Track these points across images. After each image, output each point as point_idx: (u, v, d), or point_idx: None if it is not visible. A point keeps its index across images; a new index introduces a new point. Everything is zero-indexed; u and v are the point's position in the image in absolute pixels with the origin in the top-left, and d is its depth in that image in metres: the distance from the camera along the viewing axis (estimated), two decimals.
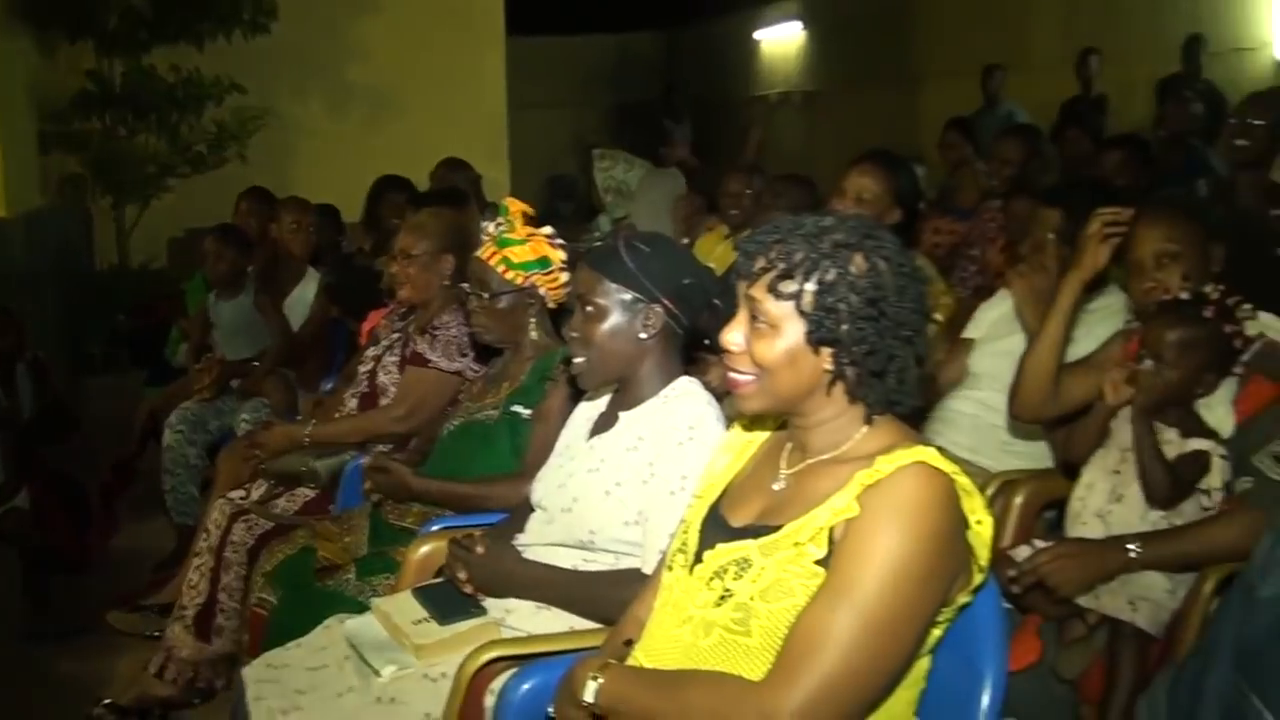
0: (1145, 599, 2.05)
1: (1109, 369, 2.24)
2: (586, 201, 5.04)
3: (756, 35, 13.41)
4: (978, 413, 2.86)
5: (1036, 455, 2.74)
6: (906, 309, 1.48)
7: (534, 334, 2.59)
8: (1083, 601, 2.09)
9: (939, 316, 3.17)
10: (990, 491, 2.55)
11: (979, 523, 1.47)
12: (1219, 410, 2.14)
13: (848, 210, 3.02)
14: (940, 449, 2.78)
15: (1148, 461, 2.09)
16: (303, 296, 4.50)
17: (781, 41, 13.04)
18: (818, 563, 1.45)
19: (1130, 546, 2.04)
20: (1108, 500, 2.16)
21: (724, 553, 1.54)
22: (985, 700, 1.54)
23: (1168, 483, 2.06)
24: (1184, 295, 2.15)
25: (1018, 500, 2.54)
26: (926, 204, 4.96)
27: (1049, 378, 2.36)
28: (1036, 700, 2.12)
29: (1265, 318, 2.18)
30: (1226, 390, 2.13)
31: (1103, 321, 2.62)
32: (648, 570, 1.87)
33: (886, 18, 10.76)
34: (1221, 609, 0.99)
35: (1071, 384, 2.37)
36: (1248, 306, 2.11)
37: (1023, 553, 2.15)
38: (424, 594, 2.18)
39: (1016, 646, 2.14)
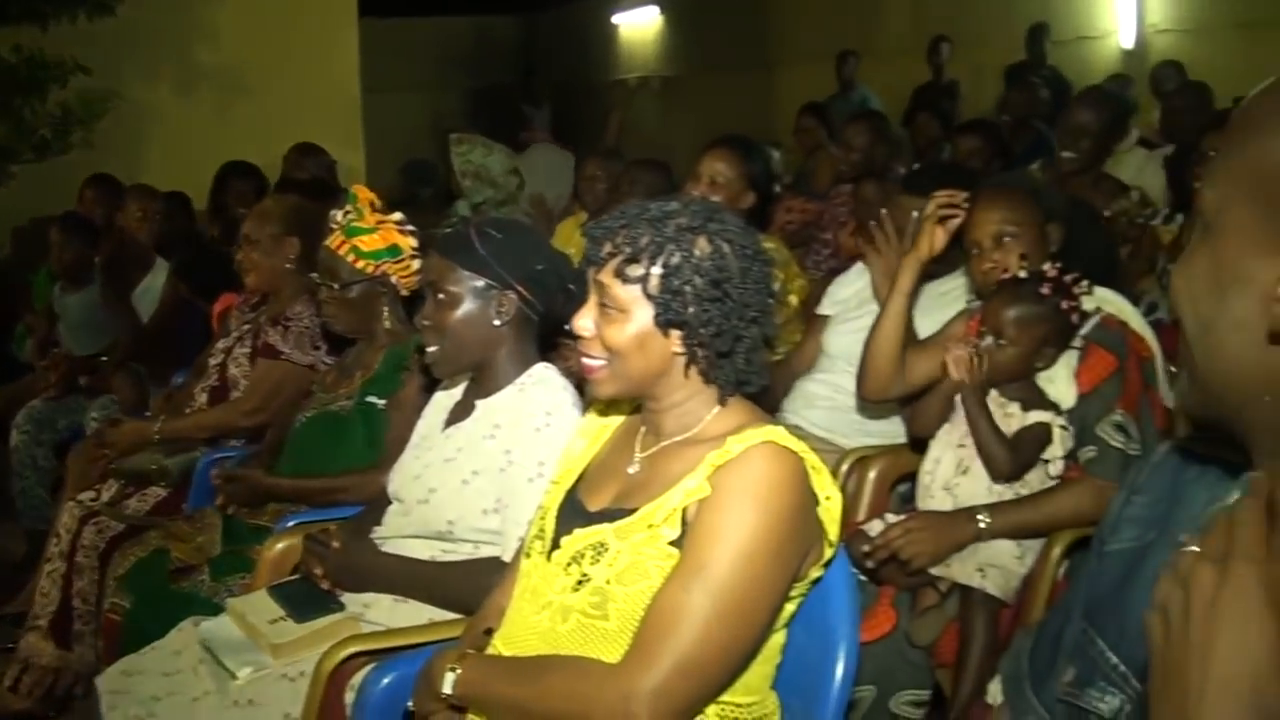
0: (994, 566, 2.12)
1: (952, 347, 2.30)
2: (445, 186, 4.95)
3: (615, 19, 13.41)
4: (831, 394, 2.92)
5: (890, 433, 2.81)
6: (751, 290, 1.50)
7: (387, 323, 2.55)
8: (934, 571, 2.15)
9: (794, 299, 3.22)
10: (845, 468, 2.61)
11: (828, 499, 1.50)
12: (1060, 383, 2.21)
13: (703, 194, 3.06)
14: (796, 428, 2.85)
15: (984, 438, 2.15)
16: (151, 287, 4.34)
17: (640, 26, 13.07)
18: (672, 544, 1.46)
19: (980, 517, 2.10)
20: (955, 473, 2.22)
21: (581, 538, 1.54)
22: (839, 670, 1.57)
23: (1007, 457, 2.13)
24: (1022, 274, 2.20)
25: (871, 475, 2.61)
26: (782, 187, 5.05)
27: (894, 358, 2.41)
28: (893, 667, 2.19)
29: (1101, 293, 2.26)
30: (1067, 363, 2.20)
31: (953, 303, 2.69)
32: (507, 558, 1.86)
33: (743, 3, 10.89)
34: (1075, 567, 1.04)
35: (917, 363, 2.43)
36: (1084, 283, 2.18)
37: (876, 527, 2.20)
38: (280, 592, 2.13)
39: (872, 617, 2.20)
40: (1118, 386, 2.15)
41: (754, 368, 1.53)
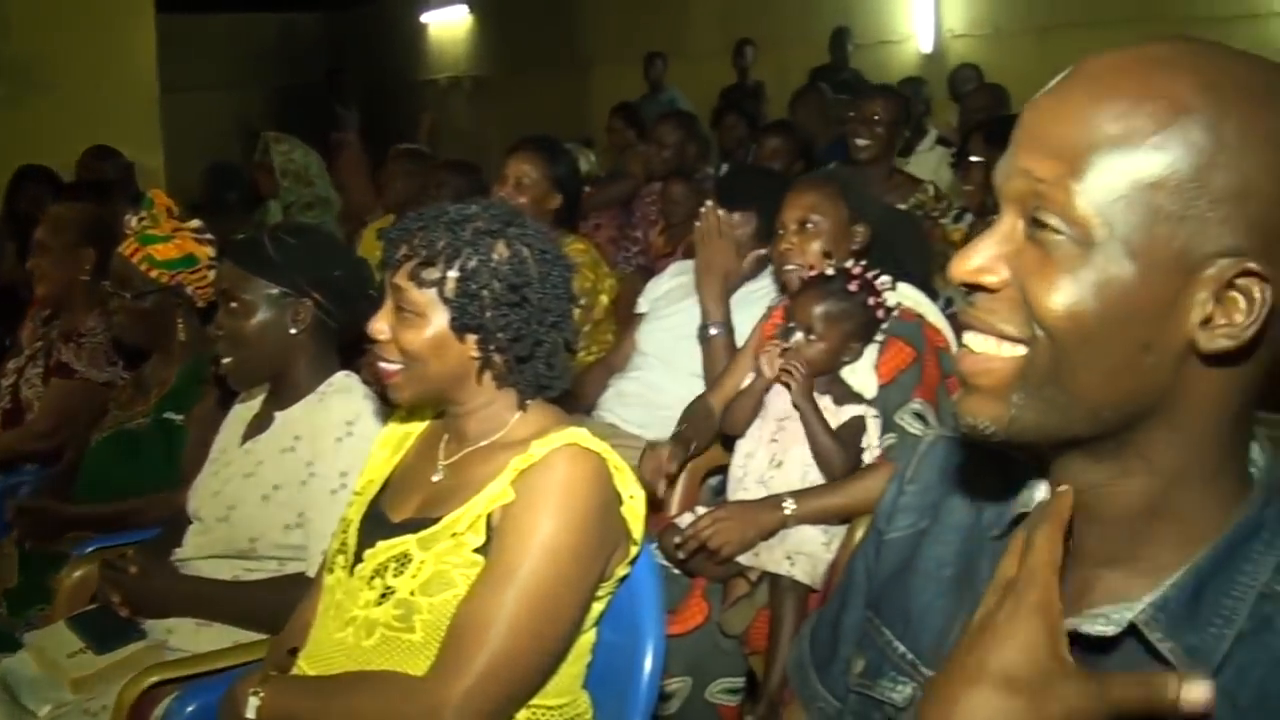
0: (801, 553, 2.17)
1: (762, 345, 2.35)
2: (252, 189, 4.79)
3: (424, 18, 13.21)
4: (644, 391, 2.94)
5: None
6: (551, 295, 1.51)
7: (182, 335, 2.46)
8: (743, 560, 2.18)
9: (605, 298, 3.25)
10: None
11: (631, 498, 1.52)
12: (862, 374, 2.29)
13: (509, 196, 3.06)
14: (611, 426, 2.88)
15: (820, 440, 2.19)
16: None
17: (449, 25, 12.91)
18: (477, 551, 1.46)
19: (785, 504, 2.15)
20: (769, 467, 2.26)
21: (384, 550, 1.52)
22: (648, 664, 1.59)
23: (842, 455, 2.19)
24: (830, 270, 2.26)
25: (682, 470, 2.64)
26: (593, 187, 5.08)
27: (752, 400, 2.38)
28: (708, 657, 2.23)
29: (903, 288, 2.35)
30: (868, 355, 2.28)
31: (761, 301, 2.75)
32: (311, 574, 1.81)
33: (554, 3, 10.90)
34: (855, 553, 1.08)
35: (742, 368, 2.49)
36: (886, 279, 2.26)
37: (687, 519, 2.24)
38: (79, 623, 2.04)
39: (684, 610, 2.24)
40: (916, 376, 2.24)
41: (555, 372, 1.54)
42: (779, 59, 8.00)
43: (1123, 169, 0.70)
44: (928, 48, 8.15)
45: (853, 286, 2.21)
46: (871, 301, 2.22)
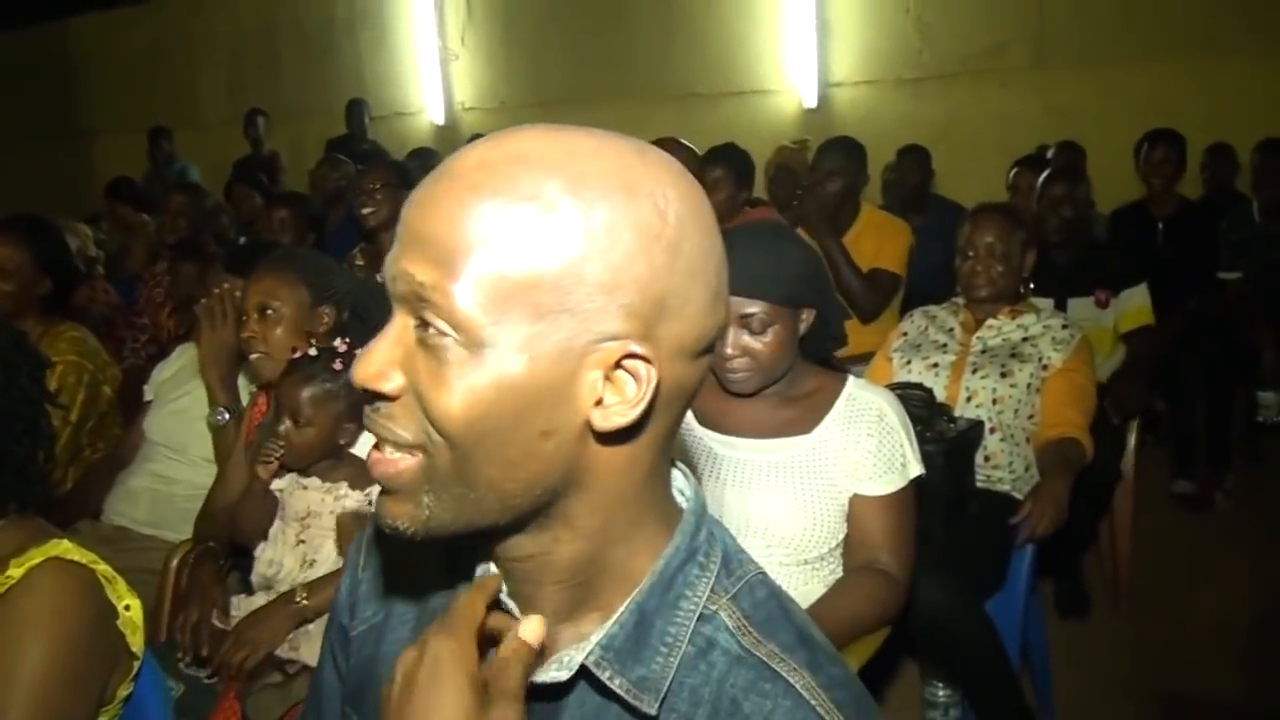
0: None
1: (250, 434, 2.26)
2: None
3: None
4: (155, 485, 2.76)
5: None
6: (16, 400, 1.39)
7: None
8: (282, 653, 2.09)
9: (108, 389, 3.01)
10: (174, 563, 2.48)
11: (127, 608, 1.43)
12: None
13: None
14: (120, 529, 2.66)
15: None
16: None
17: None
18: None
19: (298, 597, 2.06)
20: (301, 569, 2.14)
21: None
22: None
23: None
24: (313, 352, 2.19)
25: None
26: (98, 263, 4.72)
27: (256, 502, 2.26)
28: None
29: None
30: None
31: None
32: None
33: (50, 71, 10.05)
34: (321, 659, 1.05)
35: (239, 469, 2.40)
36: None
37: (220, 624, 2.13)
38: None
39: (219, 715, 2.11)
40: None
41: (28, 483, 1.41)
42: (293, 130, 7.91)
43: (497, 269, 0.70)
44: (440, 119, 8.42)
45: (338, 365, 2.13)
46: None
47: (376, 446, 0.78)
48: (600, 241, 0.71)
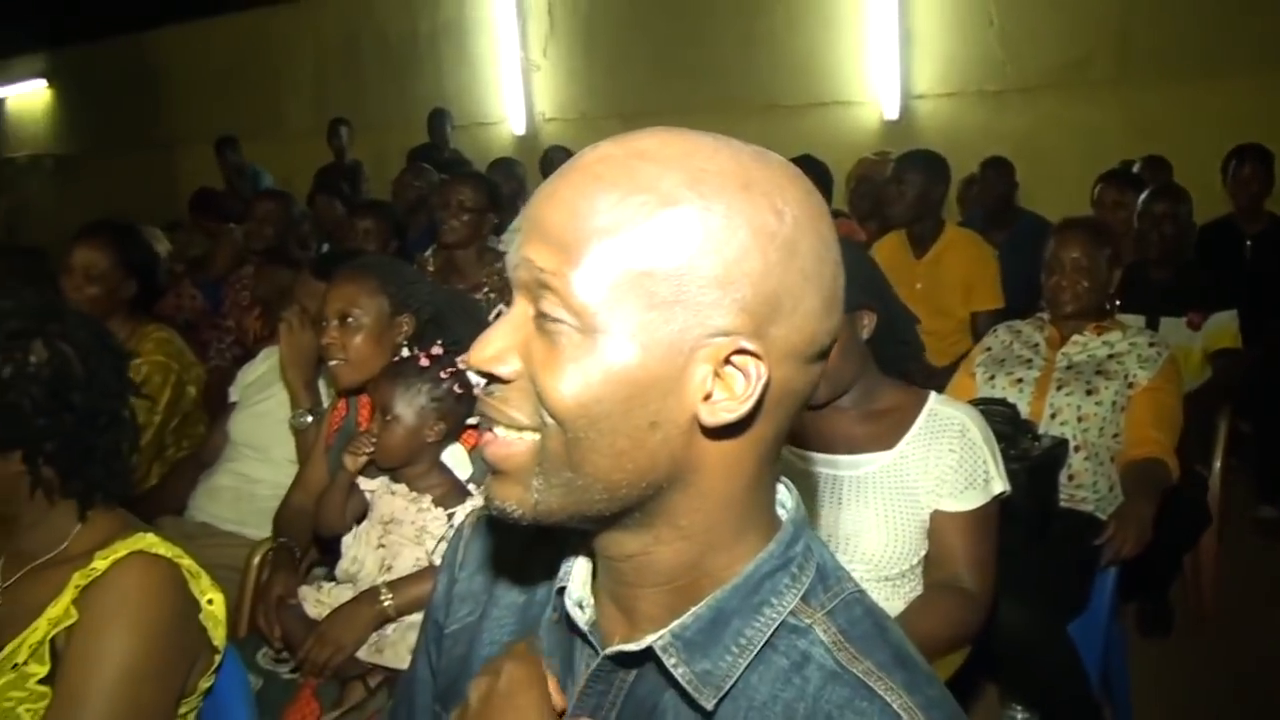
0: None
1: (330, 436, 2.28)
2: None
3: (1, 93, 12.18)
4: (238, 484, 2.81)
5: None
6: (100, 395, 1.41)
7: None
8: (362, 655, 2.10)
9: (192, 389, 3.08)
10: (256, 560, 2.52)
11: (210, 602, 1.45)
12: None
13: (76, 287, 2.85)
14: (204, 525, 2.71)
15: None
16: None
17: (28, 99, 12.05)
18: (42, 682, 1.33)
19: (382, 597, 2.07)
20: (379, 572, 2.16)
21: None
22: None
23: None
24: (405, 353, 2.25)
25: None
26: (183, 267, 4.83)
27: (339, 494, 2.30)
28: None
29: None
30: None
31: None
32: None
33: (139, 81, 10.35)
34: (416, 653, 1.06)
35: (318, 463, 2.44)
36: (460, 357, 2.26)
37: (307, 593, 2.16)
38: None
39: (294, 712, 2.13)
40: None
41: (113, 475, 1.43)
42: (375, 140, 8.03)
43: (615, 259, 0.72)
44: (521, 130, 8.49)
45: (425, 362, 2.19)
46: (445, 374, 2.18)
47: (489, 429, 0.79)
48: (716, 236, 0.73)
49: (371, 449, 2.19)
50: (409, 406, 2.17)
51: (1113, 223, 3.85)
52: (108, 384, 1.42)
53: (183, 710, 1.44)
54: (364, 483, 2.21)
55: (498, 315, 3.16)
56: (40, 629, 1.35)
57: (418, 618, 2.06)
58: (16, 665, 1.34)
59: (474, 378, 0.80)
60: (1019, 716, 2.56)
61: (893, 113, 7.11)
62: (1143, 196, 3.82)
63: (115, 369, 1.44)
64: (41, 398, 1.36)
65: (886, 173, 4.78)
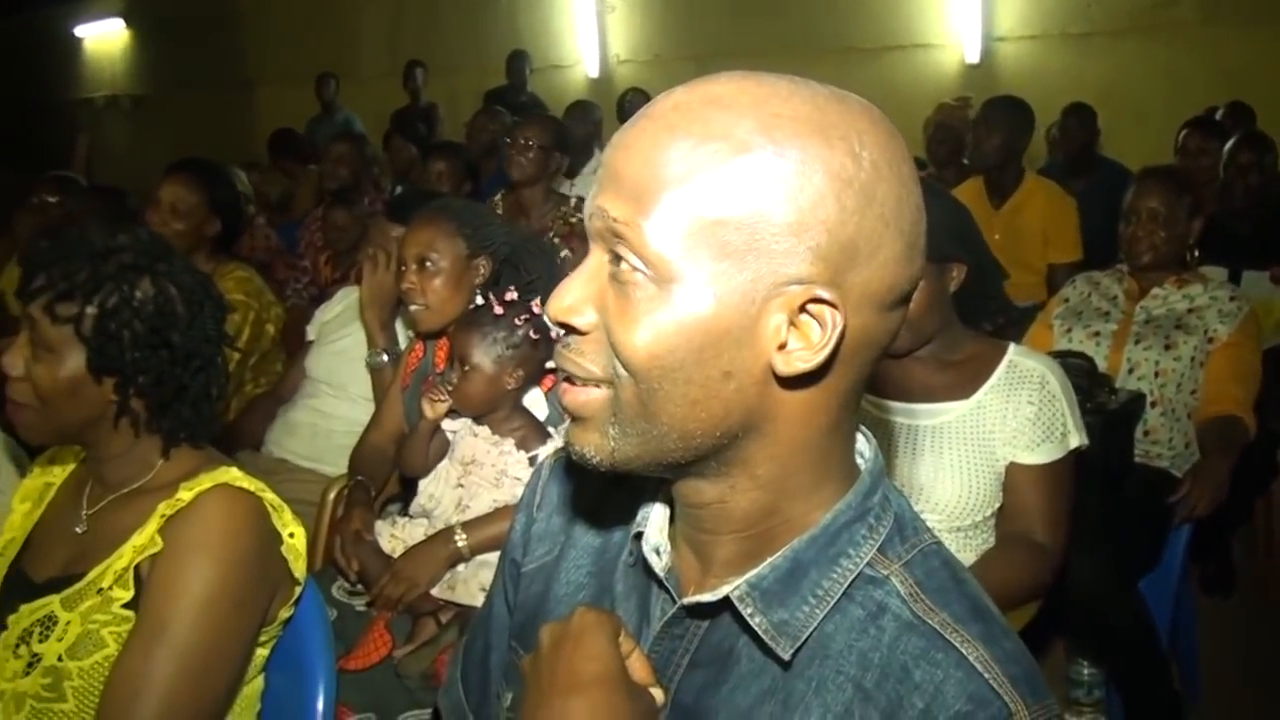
0: None
1: (405, 380, 2.31)
2: None
3: (78, 32, 12.32)
4: (315, 420, 2.87)
5: None
6: (198, 339, 1.44)
7: None
8: (436, 593, 2.13)
9: (271, 328, 3.14)
10: (331, 496, 2.58)
11: (291, 536, 1.48)
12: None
13: (162, 222, 2.91)
14: (280, 460, 2.77)
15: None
16: None
17: (106, 40, 12.13)
18: (126, 606, 1.38)
19: (457, 537, 2.11)
20: (454, 511, 2.19)
21: (27, 613, 1.41)
22: (319, 706, 1.56)
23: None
24: (479, 301, 2.23)
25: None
26: (263, 209, 4.90)
27: (422, 442, 2.32)
28: (391, 692, 2.16)
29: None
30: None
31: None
32: None
33: (217, 21, 10.43)
34: (492, 589, 1.08)
35: (394, 405, 2.47)
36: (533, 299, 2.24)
37: (381, 528, 2.22)
38: None
39: (365, 645, 2.18)
40: None
41: (201, 418, 1.47)
42: (450, 82, 8.03)
43: (688, 207, 0.72)
44: (594, 72, 8.44)
45: (499, 310, 2.18)
46: (520, 320, 2.17)
47: (568, 379, 0.79)
48: (791, 183, 0.72)
49: (450, 394, 2.21)
50: (486, 356, 2.17)
51: (1196, 171, 3.75)
52: (206, 330, 1.45)
53: (263, 638, 1.49)
54: (446, 423, 2.24)
55: (563, 260, 3.18)
56: (126, 555, 1.40)
57: (490, 557, 2.10)
58: (101, 590, 1.39)
59: (551, 327, 0.80)
60: (1086, 672, 2.54)
61: (974, 56, 6.95)
62: (1228, 145, 3.71)
63: (215, 318, 1.47)
64: (142, 332, 1.39)
65: (968, 119, 4.69)
